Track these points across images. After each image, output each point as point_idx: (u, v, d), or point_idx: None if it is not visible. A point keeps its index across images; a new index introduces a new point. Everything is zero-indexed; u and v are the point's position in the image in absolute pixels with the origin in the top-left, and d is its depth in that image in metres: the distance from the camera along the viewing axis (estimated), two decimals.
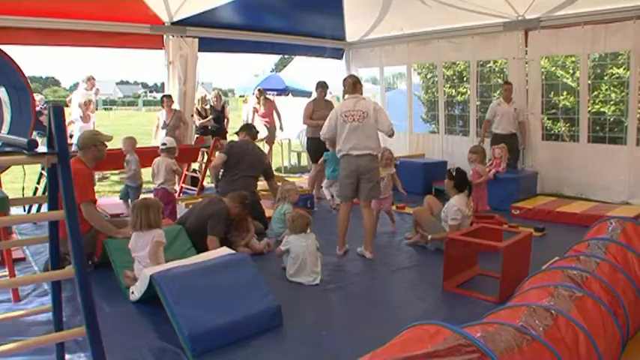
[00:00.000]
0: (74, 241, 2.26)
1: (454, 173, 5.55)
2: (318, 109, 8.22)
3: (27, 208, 6.89)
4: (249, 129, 7.13)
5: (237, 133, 7.20)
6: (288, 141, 12.97)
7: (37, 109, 8.61)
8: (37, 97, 11.49)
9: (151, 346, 3.51)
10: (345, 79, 5.65)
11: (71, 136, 9.06)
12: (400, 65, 11.59)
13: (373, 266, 5.19)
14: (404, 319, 3.80)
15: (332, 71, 12.81)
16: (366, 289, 4.65)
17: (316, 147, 8.22)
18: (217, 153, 6.85)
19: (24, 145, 2.25)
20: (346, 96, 5.58)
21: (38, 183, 7.31)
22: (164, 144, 6.69)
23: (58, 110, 2.26)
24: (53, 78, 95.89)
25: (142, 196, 6.65)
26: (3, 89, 4.35)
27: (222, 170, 6.58)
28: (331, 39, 11.18)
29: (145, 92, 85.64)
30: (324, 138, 5.71)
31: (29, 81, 4.86)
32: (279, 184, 6.91)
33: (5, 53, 4.34)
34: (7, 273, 4.48)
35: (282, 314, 3.88)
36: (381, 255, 5.58)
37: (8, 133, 4.30)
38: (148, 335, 3.69)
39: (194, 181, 9.09)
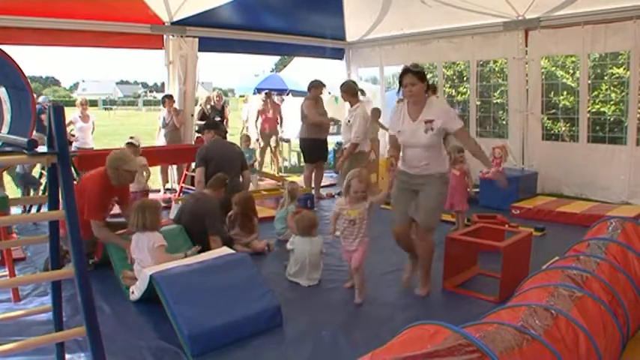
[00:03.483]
0: (74, 241, 2.26)
1: None
2: (319, 107, 8.20)
3: (27, 207, 6.90)
4: (217, 127, 7.09)
5: (200, 132, 7.09)
6: (288, 141, 12.96)
7: (38, 107, 8.63)
8: (41, 98, 11.52)
9: (151, 345, 3.51)
10: (353, 85, 6.77)
11: (73, 136, 9.09)
12: (400, 65, 11.54)
13: (372, 266, 5.19)
14: (404, 318, 3.81)
15: (332, 71, 12.81)
16: (365, 289, 4.65)
17: (310, 147, 8.22)
18: (196, 169, 6.55)
19: (24, 144, 2.25)
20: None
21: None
22: None
23: (58, 110, 2.26)
24: (53, 78, 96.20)
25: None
26: (3, 89, 4.33)
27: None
28: (331, 39, 11.17)
29: (145, 92, 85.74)
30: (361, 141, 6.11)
31: (29, 81, 4.84)
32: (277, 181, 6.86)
33: (5, 53, 4.33)
34: (7, 273, 4.48)
35: (282, 314, 3.88)
36: (381, 255, 5.57)
37: (8, 133, 4.29)
38: (148, 335, 3.69)
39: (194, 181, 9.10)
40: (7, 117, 4.34)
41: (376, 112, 9.96)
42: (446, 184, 4.41)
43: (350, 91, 7.32)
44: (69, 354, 3.11)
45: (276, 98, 12.84)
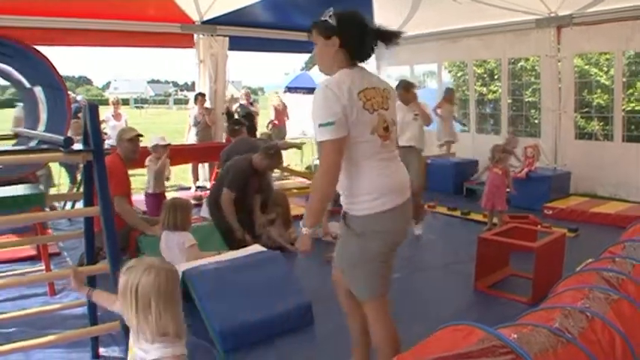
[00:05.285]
0: (109, 237, 2.30)
1: None
2: None
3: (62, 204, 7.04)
4: (234, 132, 7.18)
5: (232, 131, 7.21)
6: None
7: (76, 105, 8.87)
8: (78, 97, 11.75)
9: None
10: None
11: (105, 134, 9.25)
12: (430, 63, 11.47)
13: (404, 265, 5.14)
14: (436, 318, 3.76)
15: None
16: (397, 287, 4.59)
17: None
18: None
19: (60, 142, 2.30)
20: None
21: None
22: None
23: (93, 109, 2.30)
24: (85, 77, 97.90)
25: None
26: (40, 88, 4.43)
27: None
28: None
29: (176, 91, 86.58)
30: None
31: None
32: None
33: (41, 53, 4.41)
34: (43, 267, 4.58)
35: (313, 312, 3.89)
36: (412, 254, 5.54)
37: (44, 132, 4.38)
38: None
39: None
40: (43, 116, 4.44)
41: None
42: (359, 237, 2.57)
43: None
44: (103, 347, 3.17)
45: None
